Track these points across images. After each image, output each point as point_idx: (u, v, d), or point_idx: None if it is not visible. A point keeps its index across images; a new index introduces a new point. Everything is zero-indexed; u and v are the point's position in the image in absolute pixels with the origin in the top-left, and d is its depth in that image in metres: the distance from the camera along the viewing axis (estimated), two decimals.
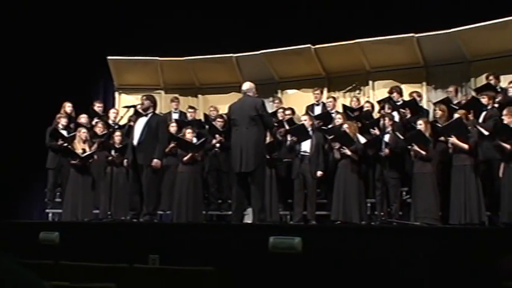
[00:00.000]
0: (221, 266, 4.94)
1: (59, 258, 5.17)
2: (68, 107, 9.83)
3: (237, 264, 5.93)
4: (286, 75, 11.51)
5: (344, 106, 9.61)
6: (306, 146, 8.39)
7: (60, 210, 9.24)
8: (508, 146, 6.91)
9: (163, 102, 11.88)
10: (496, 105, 7.97)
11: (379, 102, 9.40)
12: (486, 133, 7.27)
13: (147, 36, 11.84)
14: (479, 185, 7.21)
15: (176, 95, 11.30)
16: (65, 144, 9.02)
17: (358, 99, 9.96)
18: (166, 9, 11.79)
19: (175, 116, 10.52)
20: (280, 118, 9.36)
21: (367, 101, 9.78)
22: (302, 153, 8.35)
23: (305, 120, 8.59)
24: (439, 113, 7.97)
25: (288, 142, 8.53)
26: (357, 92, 10.54)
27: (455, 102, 8.71)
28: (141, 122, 7.70)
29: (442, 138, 7.66)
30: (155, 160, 7.55)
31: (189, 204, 8.44)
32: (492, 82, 8.60)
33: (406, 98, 9.42)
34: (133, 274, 4.72)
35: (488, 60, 9.69)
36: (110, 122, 9.77)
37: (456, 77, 9.96)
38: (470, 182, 7.19)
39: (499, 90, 8.42)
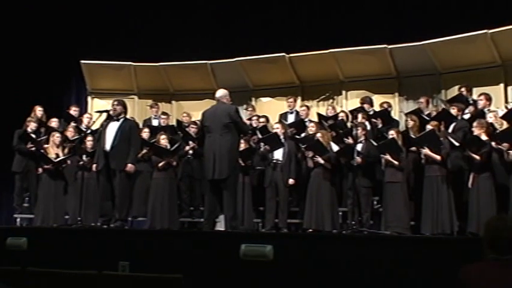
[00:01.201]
0: (192, 273, 4.92)
1: (26, 264, 5.09)
2: (38, 111, 9.69)
3: (208, 272, 5.91)
4: (260, 83, 11.56)
5: (319, 115, 9.67)
6: (278, 154, 8.41)
7: (28, 216, 9.10)
8: (477, 157, 7.02)
9: (137, 108, 11.82)
10: (466, 116, 8.11)
11: (351, 111, 9.49)
12: (457, 144, 7.38)
13: (121, 41, 11.78)
14: (451, 195, 7.29)
15: (155, 101, 11.24)
16: (33, 148, 8.90)
17: (334, 108, 10.03)
18: (141, 14, 11.76)
19: (154, 122, 10.45)
20: (255, 125, 9.37)
21: (342, 111, 9.85)
22: (274, 161, 8.36)
23: (277, 128, 8.61)
24: (410, 123, 8.06)
25: (261, 150, 8.53)
26: (331, 101, 10.63)
27: (426, 113, 8.83)
28: (112, 127, 7.62)
29: (414, 148, 7.75)
30: (129, 165, 7.49)
31: (164, 211, 8.37)
32: (464, 94, 8.74)
33: (377, 108, 9.53)
34: (102, 281, 4.66)
35: (458, 72, 9.89)
36: (83, 126, 9.67)
37: (427, 88, 10.14)
38: (442, 192, 7.27)
39: (471, 102, 8.56)
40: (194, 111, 10.56)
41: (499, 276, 2.81)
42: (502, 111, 8.02)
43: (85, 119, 9.94)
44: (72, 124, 9.62)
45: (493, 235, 2.92)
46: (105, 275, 4.74)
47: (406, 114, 8.65)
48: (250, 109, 10.45)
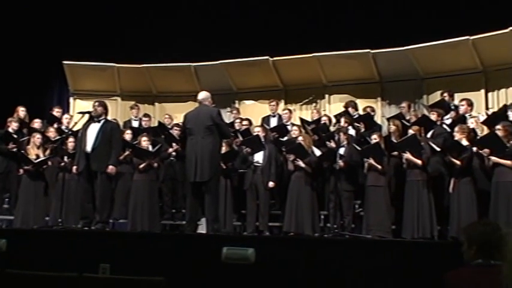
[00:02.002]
0: (173, 276, 4.90)
1: (5, 266, 5.03)
2: (21, 111, 9.60)
3: (190, 275, 5.89)
4: (244, 86, 11.58)
5: (301, 119, 9.69)
6: (258, 157, 8.41)
7: (8, 217, 8.99)
8: (458, 162, 7.09)
9: (120, 109, 11.76)
10: (448, 121, 8.18)
11: (336, 116, 9.52)
12: (438, 149, 7.45)
13: (105, 42, 11.72)
14: (432, 200, 7.35)
15: (136, 103, 11.19)
16: (15, 149, 8.81)
17: (318, 112, 10.06)
18: (124, 16, 11.70)
19: (135, 123, 10.38)
20: (237, 128, 9.37)
21: (325, 114, 9.89)
22: (255, 164, 8.36)
23: (258, 131, 8.62)
24: (392, 128, 8.12)
25: (243, 152, 8.53)
26: (314, 104, 10.67)
27: (407, 117, 8.90)
28: (93, 129, 7.56)
29: (396, 152, 7.80)
30: (110, 166, 7.43)
31: (144, 213, 8.32)
32: (446, 99, 8.82)
33: (361, 112, 9.58)
34: (82, 283, 4.63)
35: (440, 78, 9.99)
36: (63, 127, 9.59)
37: (409, 93, 10.22)
38: (423, 197, 7.32)
39: (453, 107, 8.64)
40: (177, 113, 10.53)
41: (489, 282, 2.78)
42: (483, 117, 8.12)
43: (64, 120, 9.86)
44: (54, 125, 9.54)
45: (481, 241, 2.89)
46: (86, 277, 4.71)
47: (388, 119, 8.71)
48: (234, 112, 10.45)
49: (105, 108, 7.75)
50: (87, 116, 7.99)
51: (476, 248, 2.90)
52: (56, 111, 10.10)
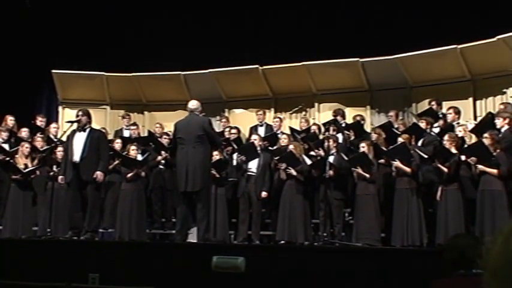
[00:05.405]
0: (163, 285, 4.89)
1: None
2: (10, 120, 9.54)
3: (180, 284, 5.87)
4: (233, 94, 11.58)
5: (291, 128, 9.71)
6: (253, 166, 8.41)
7: None
8: (445, 169, 7.13)
9: (109, 118, 11.72)
10: (436, 130, 8.23)
11: (324, 124, 9.55)
12: (425, 156, 7.49)
13: (94, 51, 11.70)
14: (421, 208, 7.38)
15: (127, 112, 11.15)
16: (7, 159, 8.75)
17: (306, 120, 10.08)
18: (113, 24, 11.69)
19: (126, 133, 10.34)
20: (227, 137, 9.37)
21: (314, 123, 9.91)
22: (249, 172, 8.36)
23: (255, 139, 8.62)
24: (374, 136, 8.16)
25: (235, 161, 8.52)
26: (303, 113, 10.70)
27: (395, 126, 8.93)
28: (80, 138, 7.49)
29: (384, 161, 7.83)
30: (98, 172, 7.37)
31: (132, 222, 8.28)
32: (434, 108, 8.88)
33: (349, 121, 9.61)
34: None
35: (429, 86, 10.06)
36: (51, 136, 9.53)
37: (398, 102, 10.27)
38: (412, 205, 7.36)
39: (440, 116, 8.69)
40: (167, 122, 10.52)
41: None
42: (471, 125, 8.17)
43: (52, 129, 9.79)
44: (39, 134, 9.45)
45: (462, 252, 2.93)
46: (75, 287, 4.68)
47: (373, 128, 8.74)
48: (224, 120, 10.46)
49: (89, 117, 7.70)
50: (75, 125, 7.96)
51: (457, 259, 2.93)
52: (39, 121, 10.00)
